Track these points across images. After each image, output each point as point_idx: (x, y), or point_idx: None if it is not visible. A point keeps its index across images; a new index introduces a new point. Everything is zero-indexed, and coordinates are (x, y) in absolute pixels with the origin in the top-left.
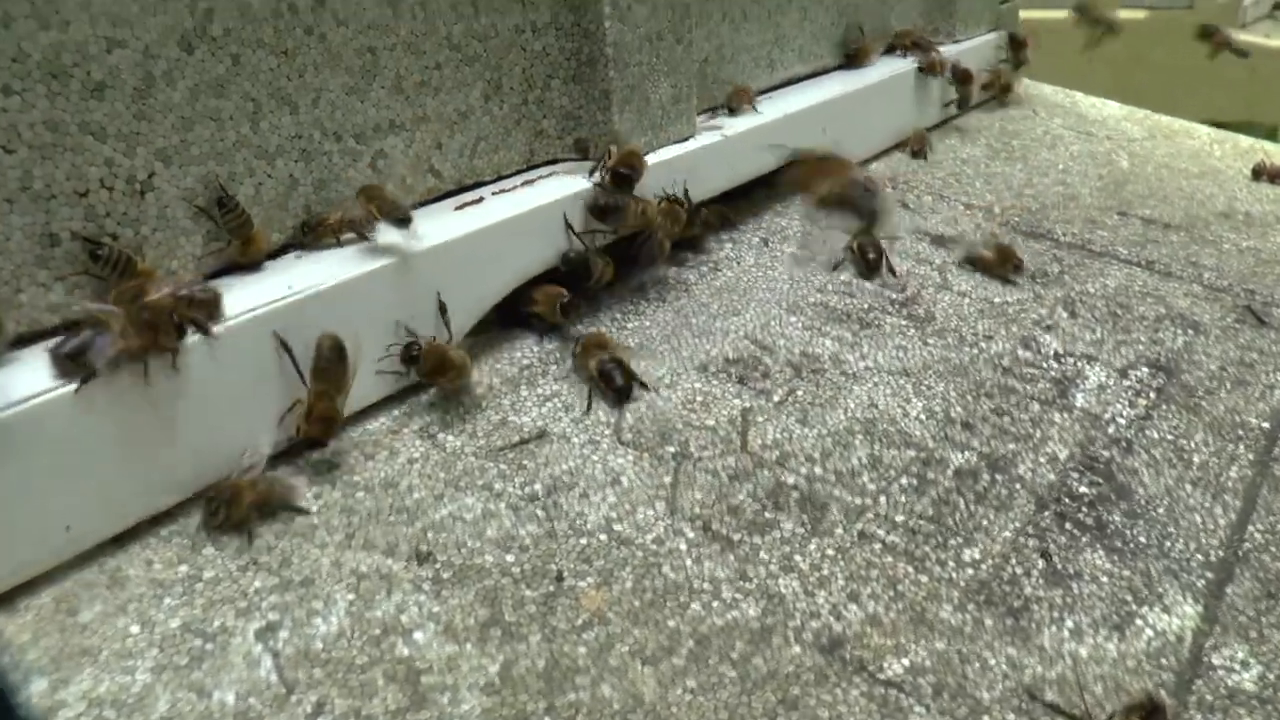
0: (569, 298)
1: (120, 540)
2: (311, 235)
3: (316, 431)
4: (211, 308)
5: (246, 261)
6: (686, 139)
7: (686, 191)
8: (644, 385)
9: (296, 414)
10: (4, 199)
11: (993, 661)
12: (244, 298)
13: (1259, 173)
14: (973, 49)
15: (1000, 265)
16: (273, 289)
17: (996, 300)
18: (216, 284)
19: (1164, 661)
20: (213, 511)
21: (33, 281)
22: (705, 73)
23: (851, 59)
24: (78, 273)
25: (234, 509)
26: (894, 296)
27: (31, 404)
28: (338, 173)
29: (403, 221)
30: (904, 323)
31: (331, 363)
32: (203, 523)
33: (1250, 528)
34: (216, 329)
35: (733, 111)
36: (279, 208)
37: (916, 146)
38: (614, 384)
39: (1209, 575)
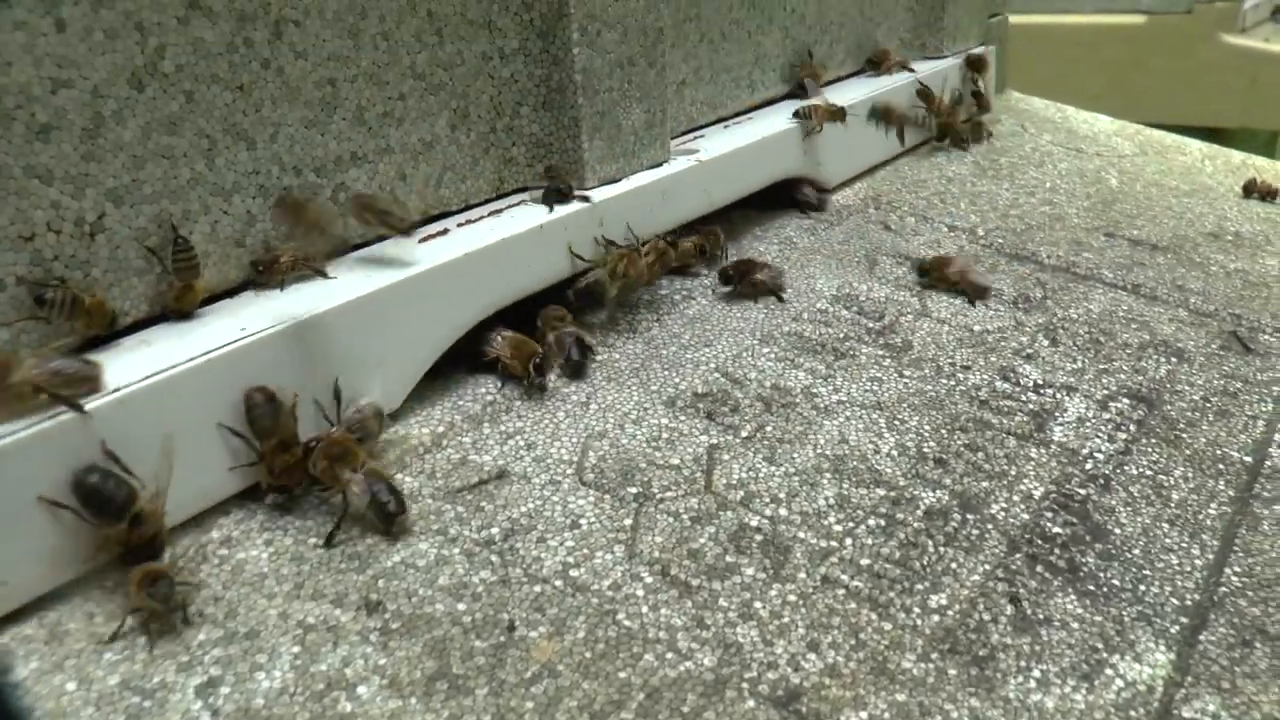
0: (542, 356)
1: (62, 592)
2: (264, 274)
3: (286, 482)
4: (90, 382)
5: (180, 309)
6: (660, 164)
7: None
8: (593, 351)
9: (259, 472)
10: None
11: (955, 714)
12: (199, 339)
13: (1249, 190)
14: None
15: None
16: (224, 331)
17: (976, 328)
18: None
19: (1133, 714)
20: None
21: None
22: (683, 94)
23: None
24: (24, 318)
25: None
26: (871, 325)
27: None
28: None
29: (406, 231)
30: (880, 353)
31: (268, 414)
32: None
33: (1227, 570)
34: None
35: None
36: (236, 245)
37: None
38: (570, 357)
39: (1183, 621)
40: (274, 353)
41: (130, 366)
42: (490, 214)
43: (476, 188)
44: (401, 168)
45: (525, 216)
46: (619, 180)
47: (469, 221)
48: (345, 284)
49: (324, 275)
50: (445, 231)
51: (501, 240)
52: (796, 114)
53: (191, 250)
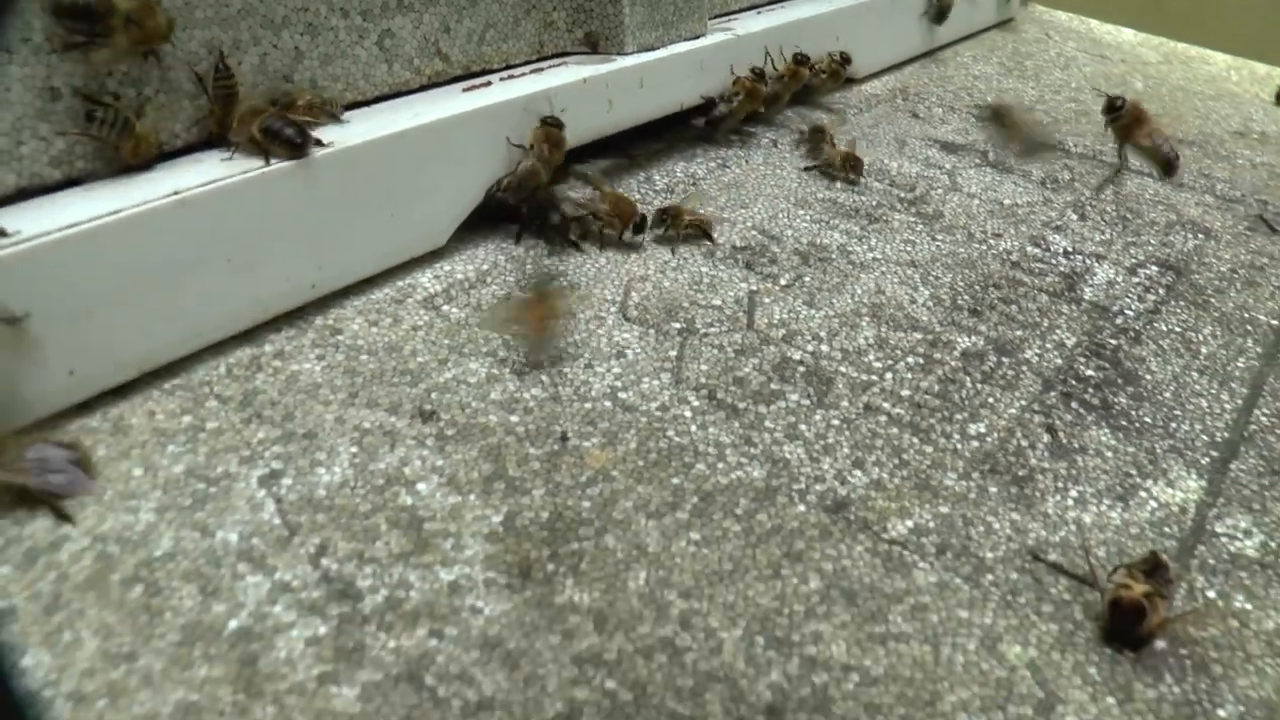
0: (642, 218)
1: (123, 391)
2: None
3: None
4: None
5: (220, 136)
6: (698, 37)
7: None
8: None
9: None
10: (2, 49)
11: (996, 526)
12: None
13: None
14: None
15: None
16: None
17: (1006, 202)
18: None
19: (1167, 530)
20: None
21: (34, 135)
22: None
23: None
24: (78, 132)
25: None
26: (903, 195)
27: (39, 241)
28: (344, 49)
29: None
30: (912, 219)
31: None
32: None
33: (1256, 411)
34: None
35: None
36: (284, 79)
37: None
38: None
39: (1214, 454)
40: (320, 176)
41: (189, 175)
42: (532, 72)
43: (517, 48)
44: (445, 20)
45: (567, 73)
46: (657, 49)
47: (511, 77)
48: (386, 120)
49: (338, 120)
50: (489, 84)
51: (545, 90)
52: None
53: (232, 76)
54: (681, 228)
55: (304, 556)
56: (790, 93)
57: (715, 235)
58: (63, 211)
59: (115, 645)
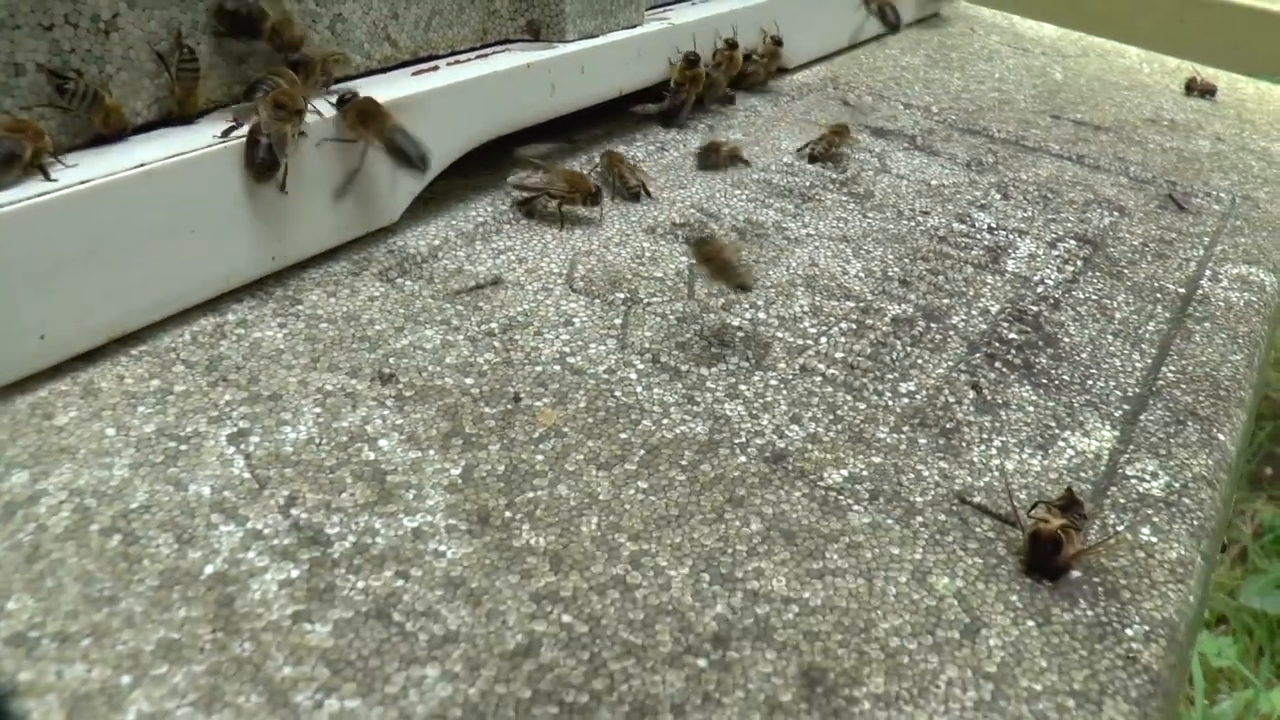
0: (597, 190)
1: (90, 357)
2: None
3: None
4: None
5: (183, 113)
6: (635, 26)
7: None
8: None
9: None
10: None
11: (926, 473)
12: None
13: (1190, 88)
14: None
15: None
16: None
17: (934, 183)
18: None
19: (1083, 475)
20: None
21: None
22: None
23: None
24: (44, 104)
25: None
26: (834, 177)
27: (13, 208)
28: None
29: None
30: (844, 199)
31: None
32: None
33: (1164, 369)
34: None
35: None
36: (239, 62)
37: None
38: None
39: (1126, 407)
40: None
41: (154, 148)
42: (477, 58)
43: (462, 35)
44: (394, 6)
45: (511, 59)
46: (597, 36)
47: (458, 62)
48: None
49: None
50: (436, 68)
51: (492, 73)
52: None
53: (196, 59)
54: (616, 178)
55: (274, 507)
56: (728, 79)
57: (653, 191)
58: (34, 181)
59: (96, 590)
